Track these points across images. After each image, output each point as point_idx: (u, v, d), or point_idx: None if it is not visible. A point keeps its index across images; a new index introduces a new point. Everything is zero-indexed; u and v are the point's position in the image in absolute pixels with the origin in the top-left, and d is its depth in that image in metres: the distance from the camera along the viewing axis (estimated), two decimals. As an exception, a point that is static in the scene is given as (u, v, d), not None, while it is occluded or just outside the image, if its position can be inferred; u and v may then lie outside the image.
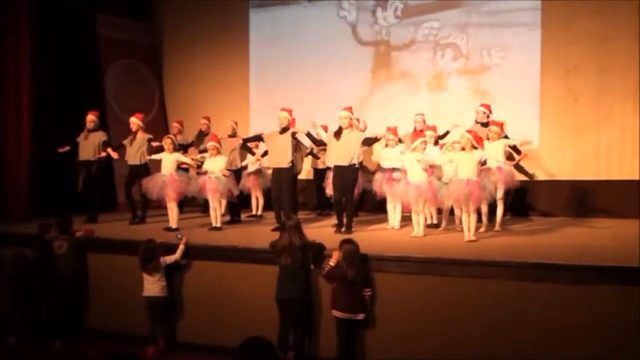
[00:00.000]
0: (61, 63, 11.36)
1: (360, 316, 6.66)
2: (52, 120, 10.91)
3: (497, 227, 8.71)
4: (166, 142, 9.59)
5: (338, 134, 8.79)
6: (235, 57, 13.06)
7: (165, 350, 7.62)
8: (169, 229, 9.11)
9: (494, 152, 8.56)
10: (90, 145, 10.27)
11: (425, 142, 8.57)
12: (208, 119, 11.27)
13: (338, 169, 8.77)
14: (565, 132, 10.62)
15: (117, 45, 12.82)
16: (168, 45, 13.77)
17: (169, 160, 9.46)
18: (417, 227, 8.35)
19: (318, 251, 7.09)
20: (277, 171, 9.13)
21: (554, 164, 10.65)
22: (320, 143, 9.49)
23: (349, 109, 8.87)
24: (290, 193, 9.19)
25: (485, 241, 7.90)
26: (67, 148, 10.31)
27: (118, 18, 12.87)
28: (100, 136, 10.35)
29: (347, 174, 8.71)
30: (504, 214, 8.97)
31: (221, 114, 11.25)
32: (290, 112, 9.27)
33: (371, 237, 8.44)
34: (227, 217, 10.01)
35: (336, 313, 6.70)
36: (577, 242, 7.93)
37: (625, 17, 10.08)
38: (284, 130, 9.12)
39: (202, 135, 11.03)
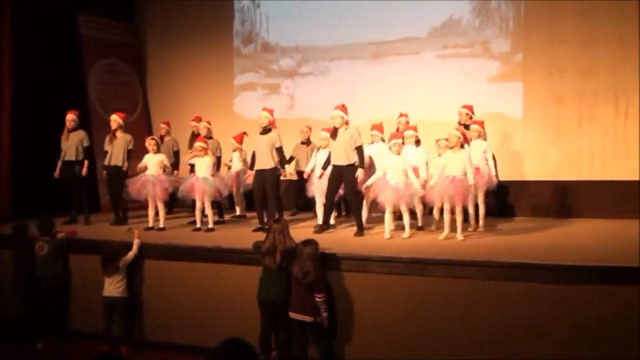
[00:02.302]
0: (43, 63, 11.31)
1: (308, 318, 6.63)
2: (33, 121, 10.85)
3: (480, 228, 8.75)
4: (150, 143, 9.55)
5: (334, 134, 8.78)
6: (220, 56, 13.04)
7: (130, 351, 7.65)
8: (161, 229, 9.23)
9: (473, 152, 8.59)
10: (71, 145, 10.22)
11: (402, 144, 8.55)
12: (199, 119, 11.01)
13: (337, 169, 8.69)
14: (548, 133, 10.68)
15: (99, 45, 12.78)
16: (151, 45, 13.74)
17: (154, 160, 9.44)
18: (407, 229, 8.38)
19: None
20: (260, 172, 9.13)
21: (537, 164, 10.72)
22: (286, 162, 9.48)
23: (341, 107, 8.79)
24: (274, 194, 9.18)
25: (467, 241, 7.93)
26: (59, 166, 10.23)
27: (100, 18, 12.82)
28: (80, 135, 10.30)
29: (348, 174, 8.62)
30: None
31: (206, 115, 11.21)
32: (271, 112, 9.27)
33: (350, 237, 8.47)
34: (217, 218, 9.99)
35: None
36: (560, 241, 7.98)
37: (608, 20, 10.16)
38: (265, 130, 9.12)
39: (194, 138, 10.92)
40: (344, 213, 10.65)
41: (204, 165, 9.29)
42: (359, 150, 8.61)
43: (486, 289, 6.39)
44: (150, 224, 9.37)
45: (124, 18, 13.50)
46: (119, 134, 10.09)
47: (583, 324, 6.02)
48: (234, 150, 10.56)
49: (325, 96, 11.22)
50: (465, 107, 9.56)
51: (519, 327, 6.21)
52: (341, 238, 8.26)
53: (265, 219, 8.97)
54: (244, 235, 8.75)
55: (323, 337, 6.79)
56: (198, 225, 9.30)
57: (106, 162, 10.09)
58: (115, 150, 10.02)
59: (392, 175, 8.25)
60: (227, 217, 10.51)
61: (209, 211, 9.26)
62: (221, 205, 10.15)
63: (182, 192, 9.38)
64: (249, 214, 10.80)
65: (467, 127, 9.20)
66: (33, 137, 10.82)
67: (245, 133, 10.46)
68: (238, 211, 11.07)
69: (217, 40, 13.06)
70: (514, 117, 10.89)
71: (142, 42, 13.79)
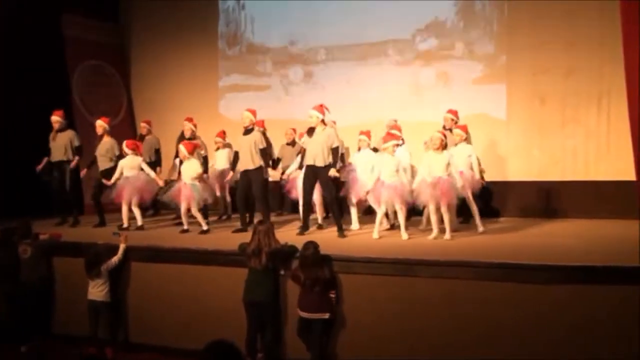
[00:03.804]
0: (26, 64, 11.22)
1: (325, 315, 6.68)
2: (17, 123, 10.77)
3: (480, 228, 8.70)
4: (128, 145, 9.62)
5: (310, 132, 8.77)
6: (205, 57, 13.00)
7: (116, 353, 7.65)
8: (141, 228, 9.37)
9: (457, 156, 8.61)
10: (59, 145, 10.18)
11: (398, 145, 8.67)
12: (191, 120, 10.80)
13: (311, 169, 8.66)
14: (532, 134, 10.73)
15: (83, 46, 12.69)
16: (135, 46, 13.67)
17: (134, 162, 9.47)
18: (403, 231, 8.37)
19: (290, 254, 7.07)
20: (245, 173, 9.11)
21: (521, 165, 10.76)
22: (270, 164, 9.50)
23: (318, 107, 8.75)
24: (261, 195, 9.15)
25: (453, 242, 7.97)
26: (43, 162, 10.24)
27: (84, 18, 12.72)
28: (69, 135, 10.27)
29: (323, 175, 8.59)
30: (459, 217, 9.12)
31: (190, 115, 11.17)
32: (254, 112, 9.25)
33: (335, 238, 8.48)
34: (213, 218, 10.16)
35: (298, 312, 6.76)
36: (545, 241, 8.02)
37: (590, 21, 10.20)
38: (247, 131, 9.10)
39: (183, 139, 10.83)
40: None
41: (190, 169, 9.23)
42: (335, 151, 8.60)
43: (472, 289, 6.42)
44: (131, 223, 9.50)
45: (108, 19, 13.43)
46: (105, 138, 10.07)
47: (570, 324, 6.06)
48: (217, 149, 10.57)
49: (310, 98, 11.21)
50: (450, 112, 9.61)
51: (506, 328, 6.24)
52: (327, 239, 8.24)
53: (254, 220, 8.95)
54: (229, 236, 8.74)
55: (330, 334, 6.81)
56: (185, 227, 9.26)
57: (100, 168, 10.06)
58: (101, 154, 10.02)
59: (387, 176, 8.28)
60: (213, 218, 10.46)
61: (197, 214, 9.20)
62: (207, 208, 10.10)
63: (167, 197, 9.35)
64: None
65: (451, 131, 9.23)
66: (17, 139, 10.74)
67: (224, 131, 10.61)
68: (224, 211, 11.03)
69: (202, 41, 13.01)
70: (498, 118, 10.93)
71: (126, 43, 13.72)
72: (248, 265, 6.92)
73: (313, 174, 8.66)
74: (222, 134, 10.70)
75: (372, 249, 7.54)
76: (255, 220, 8.49)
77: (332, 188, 8.73)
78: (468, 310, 6.38)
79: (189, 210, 9.18)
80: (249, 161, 9.03)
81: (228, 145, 10.56)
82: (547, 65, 10.58)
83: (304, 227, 8.76)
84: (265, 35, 12.65)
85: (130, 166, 9.46)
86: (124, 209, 9.49)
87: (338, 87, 11.79)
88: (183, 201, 9.11)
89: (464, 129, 9.10)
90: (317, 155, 8.57)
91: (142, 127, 11.52)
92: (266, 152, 9.19)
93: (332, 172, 8.55)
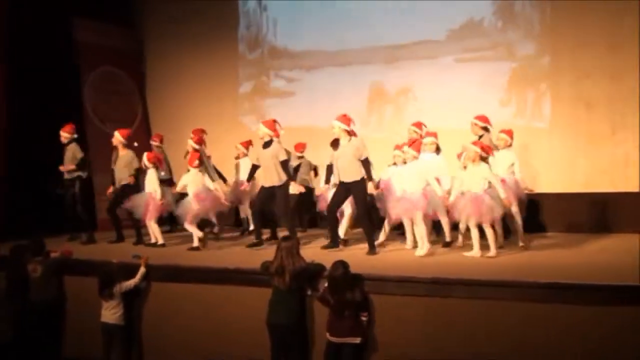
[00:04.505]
0: (36, 72, 11.30)
1: (357, 340, 6.57)
2: (27, 134, 10.83)
3: (520, 243, 8.62)
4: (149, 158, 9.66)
5: (335, 144, 8.70)
6: (224, 62, 13.01)
7: None
8: (155, 245, 9.52)
9: (499, 163, 8.48)
10: (66, 161, 10.25)
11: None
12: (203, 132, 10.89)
13: (343, 186, 8.56)
14: (578, 141, 10.56)
15: (96, 51, 12.77)
16: (151, 51, 13.75)
17: (152, 176, 9.58)
18: (421, 244, 8.30)
19: (316, 273, 6.98)
20: (268, 189, 9.07)
21: (564, 175, 10.62)
22: (292, 177, 9.31)
23: (341, 117, 8.62)
24: (286, 211, 9.08)
25: (493, 259, 7.84)
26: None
27: (97, 22, 12.79)
28: (72, 150, 10.30)
29: (355, 190, 8.52)
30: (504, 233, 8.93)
31: (210, 125, 11.17)
32: (269, 124, 9.16)
33: (369, 256, 8.38)
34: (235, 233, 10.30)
35: (327, 336, 6.66)
36: (593, 259, 7.88)
37: (637, 21, 10.07)
38: (266, 144, 9.07)
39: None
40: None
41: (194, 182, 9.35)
42: (366, 163, 8.50)
43: (513, 310, 6.28)
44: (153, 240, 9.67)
45: (122, 23, 13.50)
46: (121, 152, 10.12)
47: (618, 348, 5.88)
48: (237, 158, 10.66)
49: (337, 105, 11.15)
50: (478, 118, 9.30)
51: (548, 352, 6.09)
52: (355, 256, 8.12)
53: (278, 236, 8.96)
54: (251, 253, 8.71)
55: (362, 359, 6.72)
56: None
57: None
58: (119, 168, 10.06)
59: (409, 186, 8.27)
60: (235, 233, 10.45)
61: (190, 227, 9.28)
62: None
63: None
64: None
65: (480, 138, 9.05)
66: (28, 150, 10.79)
67: (250, 141, 10.65)
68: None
69: (221, 45, 13.05)
70: (539, 124, 10.81)
71: (141, 48, 13.80)
72: (272, 284, 6.84)
73: (345, 191, 8.59)
74: (246, 144, 10.73)
75: (406, 267, 7.45)
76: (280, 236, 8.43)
77: (366, 203, 8.65)
78: (509, 333, 6.24)
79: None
80: (274, 177, 8.96)
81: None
82: (591, 68, 10.45)
83: (334, 244, 8.68)
84: (289, 37, 12.65)
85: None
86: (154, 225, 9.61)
87: (365, 93, 11.72)
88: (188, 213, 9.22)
89: (510, 133, 8.94)
90: (347, 170, 8.49)
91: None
92: (286, 165, 9.12)
93: (372, 188, 8.55)
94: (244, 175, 10.14)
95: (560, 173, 10.66)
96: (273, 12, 12.80)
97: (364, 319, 6.64)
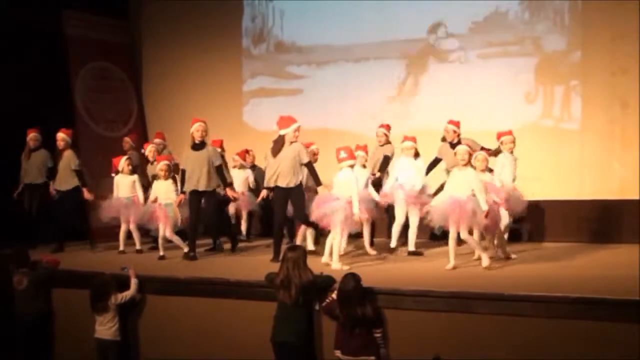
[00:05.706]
0: (23, 67, 11.41)
1: (371, 359, 6.62)
2: (13, 136, 10.94)
3: (499, 253, 8.74)
4: (125, 163, 9.98)
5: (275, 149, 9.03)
6: (227, 58, 13.11)
7: None
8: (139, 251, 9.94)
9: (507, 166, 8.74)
10: (33, 166, 10.48)
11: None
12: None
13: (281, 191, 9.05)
14: (611, 143, 10.59)
15: (87, 46, 12.87)
16: (147, 45, 13.85)
17: (127, 181, 9.98)
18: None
19: (325, 287, 7.00)
20: (285, 190, 9.03)
21: (597, 180, 10.64)
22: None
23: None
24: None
25: (516, 273, 7.86)
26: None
27: (88, 15, 12.90)
28: (42, 156, 10.53)
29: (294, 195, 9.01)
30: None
31: (212, 125, 11.21)
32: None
33: (385, 268, 8.44)
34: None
35: (337, 354, 6.69)
36: (627, 273, 7.84)
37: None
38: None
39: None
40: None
41: (164, 189, 9.57)
42: (309, 166, 9.04)
43: (538, 327, 6.29)
44: (121, 248, 10.11)
45: (116, 15, 13.60)
46: (65, 153, 10.38)
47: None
48: (234, 167, 10.81)
49: (348, 103, 11.24)
50: (451, 122, 9.57)
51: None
52: (366, 269, 8.19)
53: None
54: (254, 265, 8.77)
55: None
56: (161, 253, 9.59)
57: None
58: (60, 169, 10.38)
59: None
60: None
61: (174, 238, 9.60)
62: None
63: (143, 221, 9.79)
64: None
65: (452, 145, 9.14)
66: (11, 154, 10.89)
67: (247, 150, 10.90)
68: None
69: (223, 39, 13.14)
70: (570, 124, 10.85)
71: (136, 42, 13.89)
72: (277, 298, 6.90)
73: (284, 196, 9.05)
74: (244, 153, 10.92)
75: (422, 280, 7.48)
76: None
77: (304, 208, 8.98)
78: (534, 351, 6.24)
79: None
80: (291, 177, 8.98)
81: (245, 167, 10.91)
82: (627, 64, 10.47)
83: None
84: (297, 31, 12.75)
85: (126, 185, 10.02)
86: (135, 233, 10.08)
87: (378, 90, 11.81)
88: (161, 223, 9.52)
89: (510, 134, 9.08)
90: (286, 175, 8.91)
91: (125, 141, 11.46)
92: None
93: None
94: (237, 185, 10.42)
95: (593, 179, 10.68)
96: (279, 2, 12.90)
97: (377, 335, 6.71)
